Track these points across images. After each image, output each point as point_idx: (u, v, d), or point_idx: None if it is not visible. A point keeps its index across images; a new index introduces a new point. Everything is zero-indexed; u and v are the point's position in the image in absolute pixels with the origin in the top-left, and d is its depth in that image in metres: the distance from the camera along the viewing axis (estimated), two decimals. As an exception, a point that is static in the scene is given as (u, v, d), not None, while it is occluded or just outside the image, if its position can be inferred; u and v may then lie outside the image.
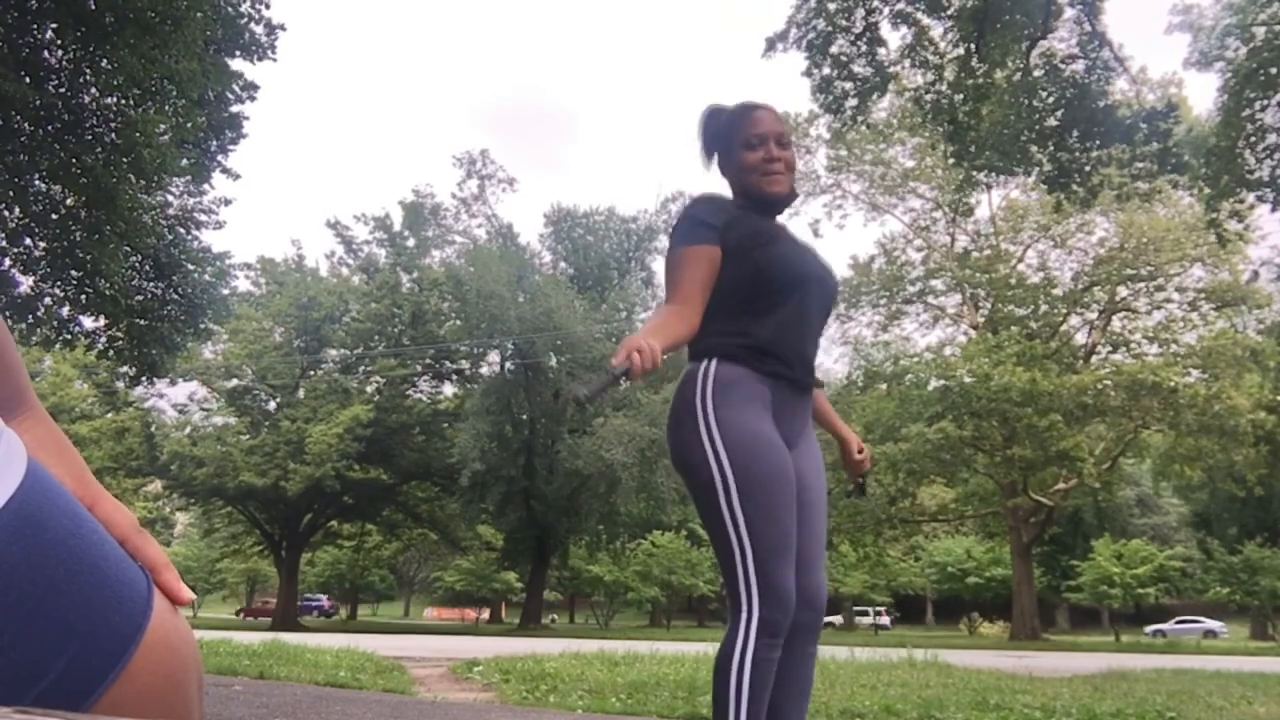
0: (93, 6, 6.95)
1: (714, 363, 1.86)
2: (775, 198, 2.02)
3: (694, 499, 1.86)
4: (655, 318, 1.82)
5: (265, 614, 40.32)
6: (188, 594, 0.66)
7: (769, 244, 1.94)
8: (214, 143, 9.76)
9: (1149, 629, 39.28)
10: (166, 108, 8.25)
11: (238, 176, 10.17)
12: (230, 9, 8.73)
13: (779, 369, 1.89)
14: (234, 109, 9.77)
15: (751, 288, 1.90)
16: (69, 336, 10.12)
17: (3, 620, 0.51)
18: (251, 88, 9.82)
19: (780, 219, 2.09)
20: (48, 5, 7.20)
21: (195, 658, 0.65)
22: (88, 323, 10.15)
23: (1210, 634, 36.33)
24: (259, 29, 9.25)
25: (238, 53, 9.34)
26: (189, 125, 8.46)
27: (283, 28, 9.43)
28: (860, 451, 2.16)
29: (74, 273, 9.05)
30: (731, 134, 2.05)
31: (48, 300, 9.65)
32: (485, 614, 49.83)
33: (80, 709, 0.55)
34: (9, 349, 0.64)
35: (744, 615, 1.74)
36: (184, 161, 8.88)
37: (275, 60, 9.49)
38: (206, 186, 10.40)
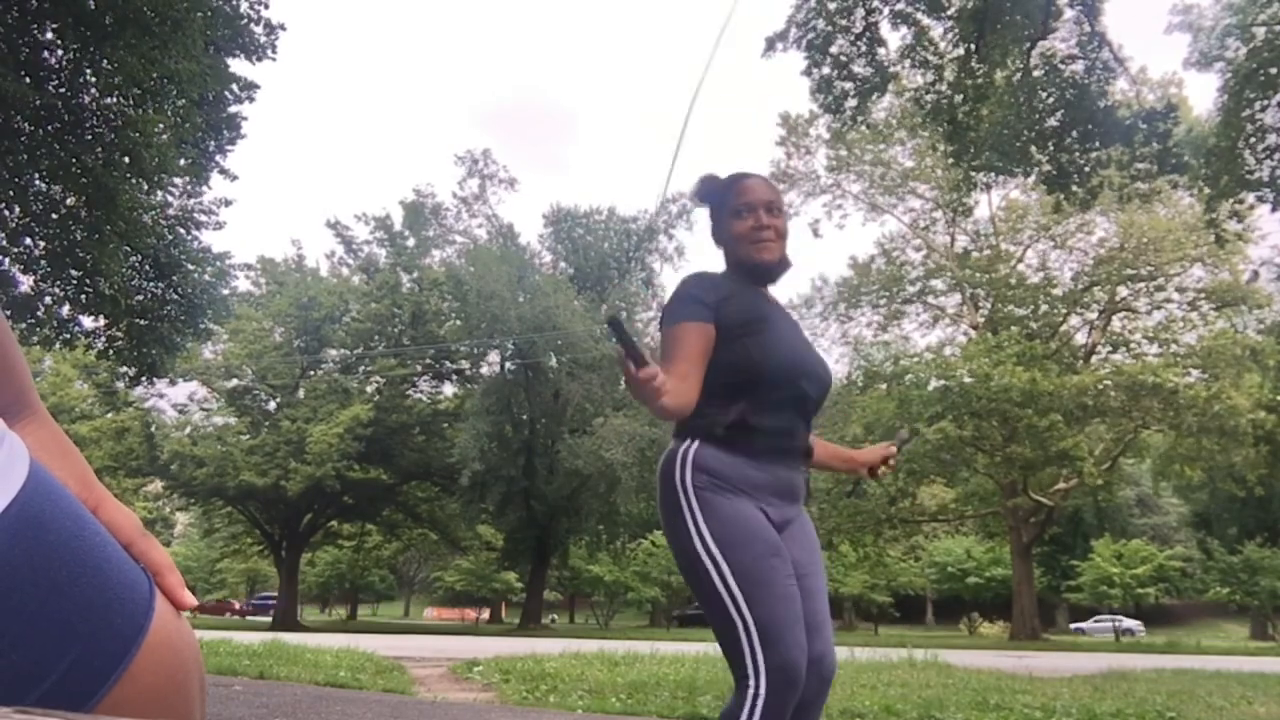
0: (92, 6, 6.95)
1: (695, 444, 1.85)
2: (765, 265, 2.01)
3: (686, 577, 1.86)
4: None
5: (217, 611, 43.79)
6: (189, 599, 0.66)
7: (761, 331, 1.92)
8: (212, 143, 9.75)
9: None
10: (166, 108, 8.25)
11: (235, 177, 10.16)
12: (229, 9, 8.72)
13: (765, 446, 1.88)
14: (232, 109, 9.76)
15: (741, 373, 1.88)
16: (69, 336, 10.13)
17: (5, 622, 0.51)
18: (251, 87, 9.81)
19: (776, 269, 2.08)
20: (47, 5, 7.20)
21: (197, 659, 0.66)
22: (87, 322, 10.15)
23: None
24: (259, 29, 9.25)
25: (238, 53, 9.33)
26: (187, 125, 8.46)
27: (282, 27, 9.42)
28: (885, 461, 2.16)
29: (74, 272, 9.05)
30: (721, 203, 2.06)
31: (48, 300, 9.65)
32: (485, 614, 49.83)
33: (84, 708, 0.55)
34: (13, 353, 0.64)
35: (750, 690, 1.73)
36: (183, 161, 8.88)
37: (275, 59, 9.49)
38: (206, 187, 10.40)
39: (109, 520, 0.64)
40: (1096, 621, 39.44)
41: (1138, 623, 39.22)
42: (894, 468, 2.18)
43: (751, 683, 1.74)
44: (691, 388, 1.81)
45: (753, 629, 1.75)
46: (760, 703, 1.72)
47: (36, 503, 0.55)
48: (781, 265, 2.03)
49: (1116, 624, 37.20)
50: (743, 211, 2.01)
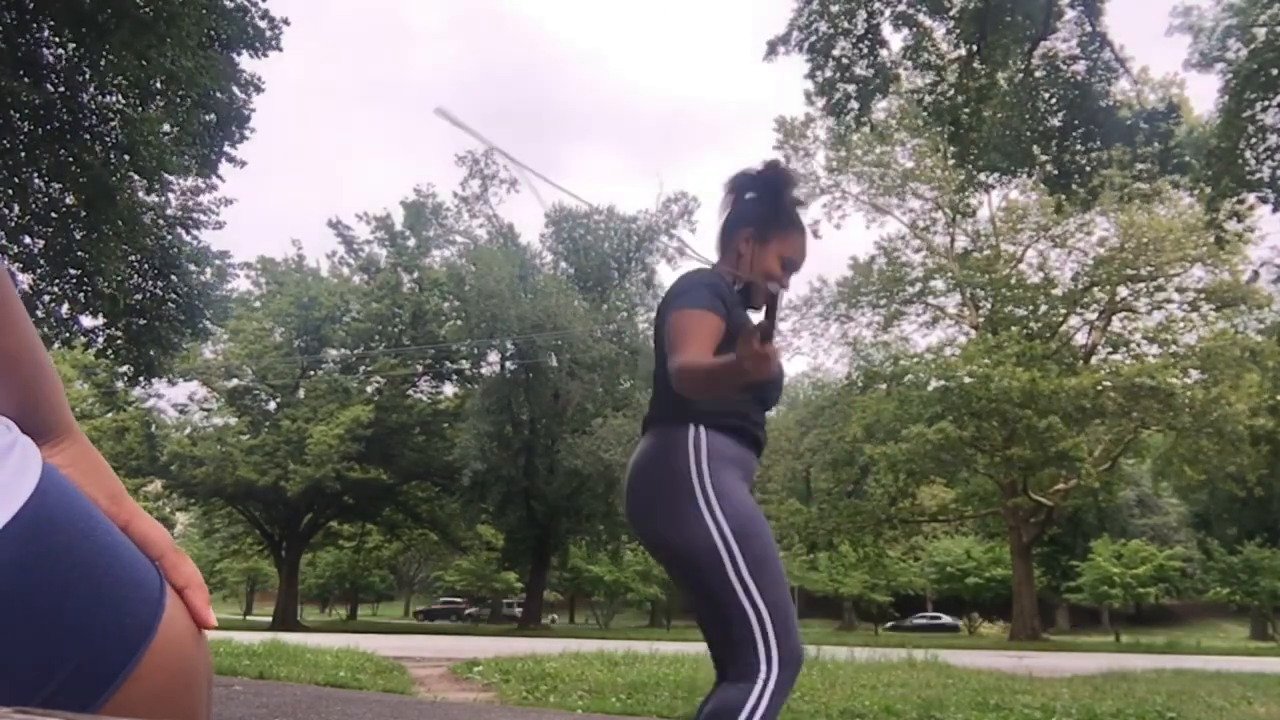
0: (87, 3, 6.93)
1: (703, 431, 1.84)
2: (756, 309, 2.06)
3: (687, 571, 1.82)
4: (707, 359, 1.74)
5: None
6: (212, 619, 0.66)
7: None
8: (220, 136, 9.71)
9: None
10: (169, 107, 8.24)
11: (244, 164, 10.08)
12: (228, 1, 8.69)
13: (751, 438, 1.93)
14: (239, 104, 9.74)
15: None
16: (68, 335, 10.13)
17: (17, 622, 0.51)
18: (256, 81, 9.78)
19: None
20: (44, 1, 7.19)
21: (205, 658, 0.66)
22: (86, 321, 10.15)
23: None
24: (262, 23, 9.22)
25: (242, 49, 9.31)
26: (187, 123, 8.45)
27: (286, 21, 9.39)
28: None
29: (72, 271, 9.05)
30: (775, 233, 2.04)
31: (46, 299, 9.65)
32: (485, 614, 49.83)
33: (90, 709, 0.55)
34: (45, 378, 0.65)
35: (762, 676, 1.73)
36: (182, 160, 8.87)
37: (281, 51, 9.42)
38: (208, 183, 10.37)
39: (140, 535, 0.65)
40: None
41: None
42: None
43: (764, 670, 1.73)
44: None
45: (766, 618, 1.75)
46: (771, 689, 1.72)
47: (49, 504, 0.55)
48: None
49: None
50: (789, 266, 2.06)
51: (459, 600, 50.58)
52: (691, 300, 1.88)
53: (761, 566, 1.77)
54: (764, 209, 2.07)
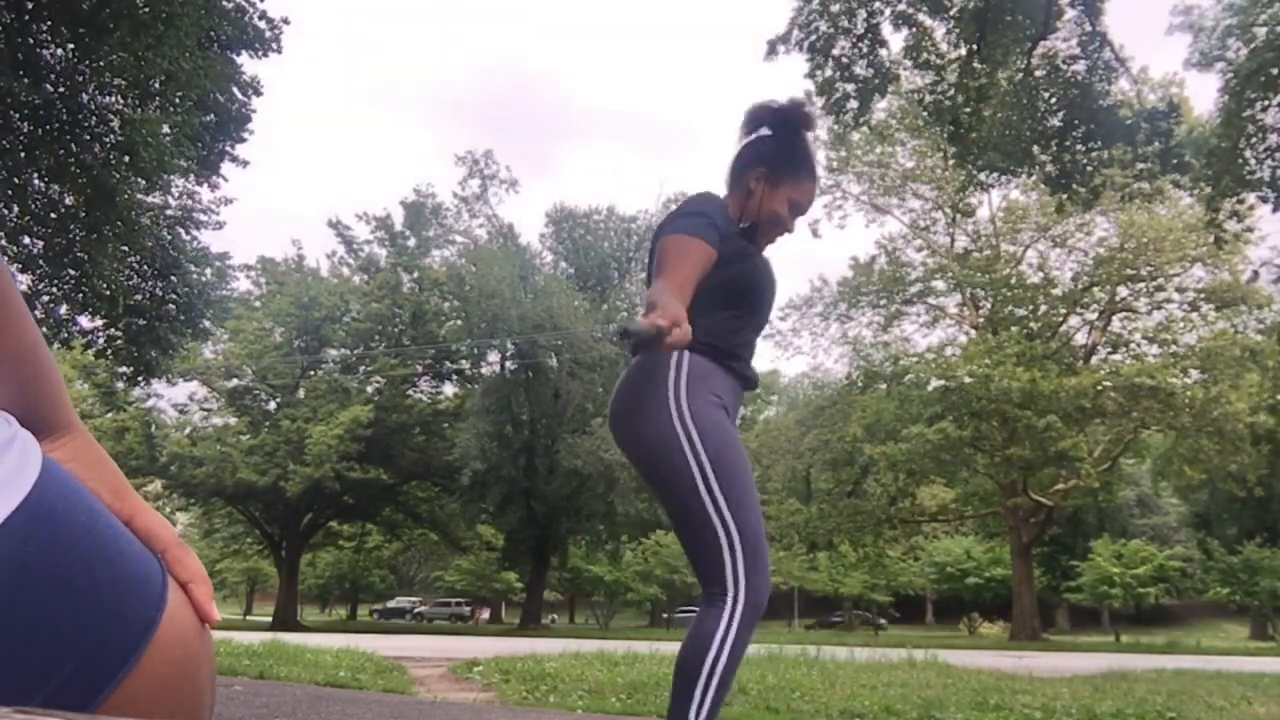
0: (85, 3, 6.93)
1: (686, 354, 1.84)
2: (759, 251, 2.06)
3: (661, 484, 1.83)
4: (666, 293, 1.70)
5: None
6: (216, 614, 0.66)
7: (751, 262, 1.99)
8: (220, 137, 9.73)
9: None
10: (168, 107, 8.24)
11: (246, 163, 10.11)
12: (228, 1, 8.70)
13: (739, 370, 1.93)
14: (239, 105, 9.75)
15: (729, 296, 1.92)
16: (66, 336, 10.12)
17: (18, 617, 0.51)
18: (255, 84, 9.79)
19: None
20: (43, 1, 7.18)
21: (208, 653, 0.66)
22: (85, 322, 10.15)
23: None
24: (261, 24, 9.23)
25: (241, 50, 9.32)
26: (186, 125, 8.45)
27: (286, 21, 9.40)
28: None
29: (71, 272, 9.05)
30: (788, 175, 2.04)
31: (45, 299, 9.65)
32: (485, 614, 49.84)
33: (93, 703, 0.55)
34: (47, 374, 0.65)
35: (730, 600, 1.72)
36: (182, 162, 8.87)
37: (280, 53, 9.44)
38: (210, 183, 10.37)
39: (144, 529, 0.64)
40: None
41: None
42: None
43: (731, 593, 1.73)
44: (686, 300, 1.77)
45: (736, 540, 1.74)
46: (739, 613, 1.72)
47: (50, 497, 0.55)
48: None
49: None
50: (797, 208, 2.06)
51: (414, 599, 50.49)
52: (683, 226, 1.88)
53: (735, 486, 1.76)
54: (780, 149, 2.06)
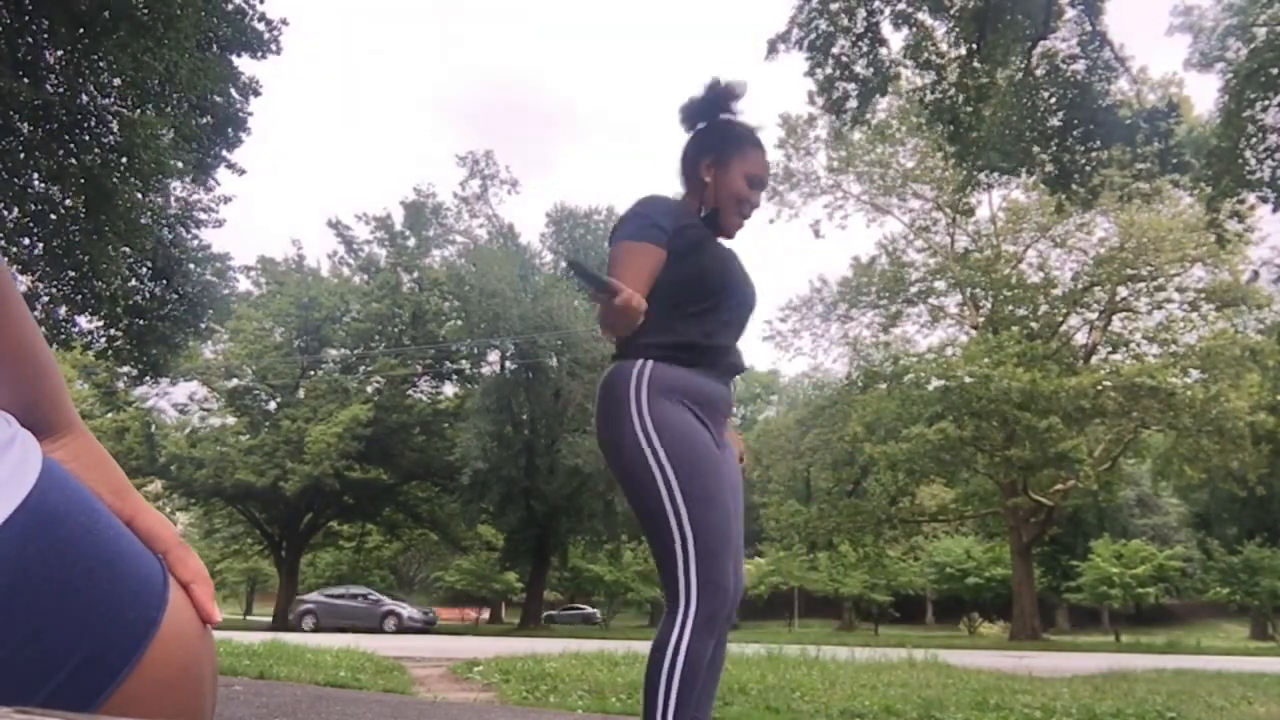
0: (84, 4, 6.92)
1: (649, 364, 1.86)
2: (730, 234, 2.05)
3: (628, 491, 1.85)
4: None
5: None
6: (217, 614, 0.66)
7: (709, 254, 1.98)
8: (218, 139, 9.74)
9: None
10: (168, 109, 8.24)
11: (242, 171, 10.13)
12: (227, 3, 8.70)
13: (710, 364, 1.93)
14: (237, 107, 9.75)
15: (687, 289, 1.92)
16: (65, 337, 10.12)
17: (20, 618, 0.51)
18: (254, 85, 9.79)
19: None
20: (42, 2, 7.18)
21: (210, 652, 0.66)
22: (84, 323, 10.15)
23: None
24: (260, 25, 9.23)
25: (241, 51, 9.32)
26: (184, 126, 8.45)
27: (285, 22, 9.40)
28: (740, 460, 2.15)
29: (71, 273, 9.05)
30: (727, 147, 2.05)
31: (45, 300, 9.65)
32: (485, 614, 49.82)
33: (94, 703, 0.55)
34: (48, 373, 0.65)
35: (681, 608, 1.73)
36: (180, 164, 8.87)
37: (279, 54, 9.44)
38: (214, 181, 10.39)
39: (145, 529, 0.65)
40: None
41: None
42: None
43: (682, 602, 1.74)
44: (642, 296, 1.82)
45: (691, 548, 1.75)
46: (690, 622, 1.72)
47: (51, 498, 0.55)
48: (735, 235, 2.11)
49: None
50: (754, 184, 2.04)
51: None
52: (625, 232, 1.92)
53: (695, 494, 1.77)
54: (715, 132, 2.07)
